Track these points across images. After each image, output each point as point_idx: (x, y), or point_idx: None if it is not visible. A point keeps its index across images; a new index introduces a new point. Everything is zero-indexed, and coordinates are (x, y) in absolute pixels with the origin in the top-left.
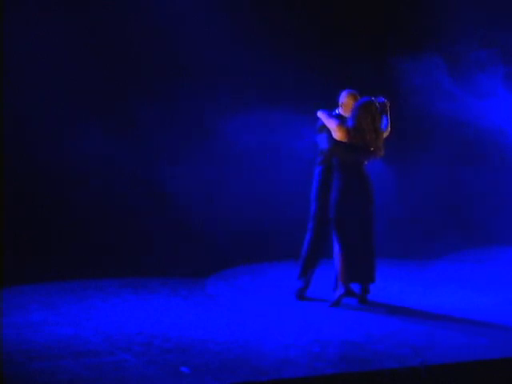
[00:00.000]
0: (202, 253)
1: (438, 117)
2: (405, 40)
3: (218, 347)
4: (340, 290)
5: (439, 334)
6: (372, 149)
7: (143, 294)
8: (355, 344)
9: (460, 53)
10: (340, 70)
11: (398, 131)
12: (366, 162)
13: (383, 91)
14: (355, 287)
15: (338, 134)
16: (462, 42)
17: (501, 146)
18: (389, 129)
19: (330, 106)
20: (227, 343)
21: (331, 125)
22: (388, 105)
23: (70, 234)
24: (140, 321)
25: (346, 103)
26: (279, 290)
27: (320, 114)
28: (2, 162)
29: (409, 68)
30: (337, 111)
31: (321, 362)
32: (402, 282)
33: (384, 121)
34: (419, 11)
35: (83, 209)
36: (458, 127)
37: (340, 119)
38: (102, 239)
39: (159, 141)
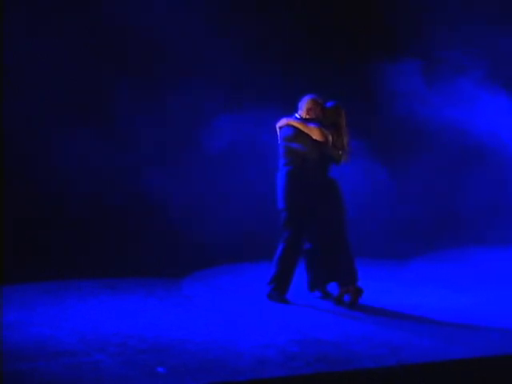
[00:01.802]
0: (180, 253)
1: (420, 120)
2: (386, 44)
3: (195, 347)
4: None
5: (416, 333)
6: (342, 152)
7: (120, 294)
8: (332, 344)
9: (441, 56)
10: (318, 73)
11: (383, 134)
12: (338, 163)
13: (363, 95)
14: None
15: (318, 135)
16: (443, 46)
17: (483, 148)
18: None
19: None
20: (204, 343)
21: (311, 129)
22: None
23: (46, 234)
24: (116, 321)
25: (311, 108)
26: (257, 290)
27: (290, 121)
28: None
29: (389, 72)
30: (297, 115)
31: (298, 362)
32: (381, 281)
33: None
34: (400, 15)
35: (61, 210)
36: (441, 130)
37: (314, 123)
38: (78, 240)
39: (144, 141)
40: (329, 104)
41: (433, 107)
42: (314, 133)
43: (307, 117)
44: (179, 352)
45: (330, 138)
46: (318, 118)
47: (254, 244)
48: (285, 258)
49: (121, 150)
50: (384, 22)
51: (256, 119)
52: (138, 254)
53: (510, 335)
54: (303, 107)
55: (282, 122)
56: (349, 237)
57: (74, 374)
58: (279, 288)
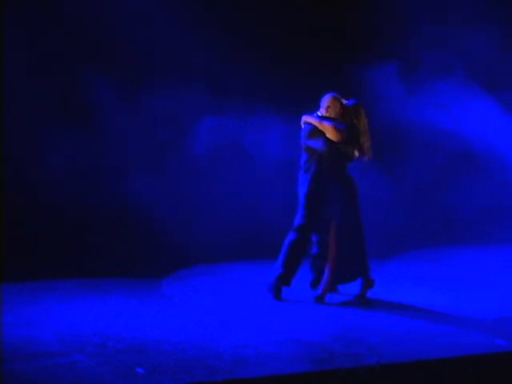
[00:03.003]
0: (159, 253)
1: (400, 122)
2: (363, 46)
3: (173, 347)
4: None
5: (395, 332)
6: (362, 150)
7: (99, 294)
8: (311, 343)
9: (420, 58)
10: (301, 76)
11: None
12: (352, 161)
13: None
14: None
15: (332, 133)
16: (421, 47)
17: (465, 149)
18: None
19: (294, 111)
20: (183, 343)
21: (326, 127)
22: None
23: (26, 235)
24: (95, 322)
25: (331, 106)
26: (235, 290)
27: (309, 119)
28: None
29: (368, 74)
30: (318, 114)
31: (276, 362)
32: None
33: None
34: (378, 16)
35: (41, 210)
36: (421, 132)
37: (331, 120)
38: (57, 240)
39: (126, 142)
40: (349, 102)
41: (412, 109)
42: (328, 131)
43: (326, 114)
44: (158, 352)
45: (344, 136)
46: (337, 116)
47: (234, 245)
48: (294, 250)
49: (104, 151)
50: (363, 23)
51: (239, 121)
52: (118, 254)
53: (483, 334)
54: (324, 105)
55: (303, 119)
56: (363, 232)
57: (51, 376)
58: (283, 278)
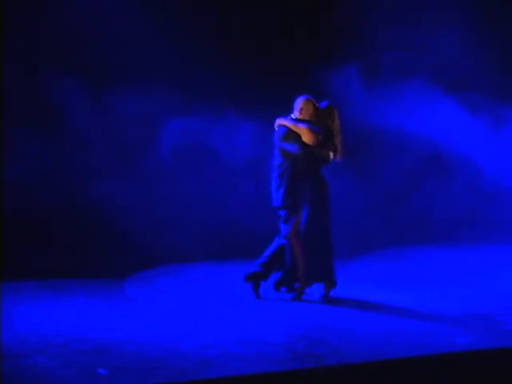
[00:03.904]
0: (121, 254)
1: (363, 125)
2: (329, 48)
3: (136, 348)
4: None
5: (358, 332)
6: (335, 151)
7: (61, 295)
8: (274, 344)
9: (383, 59)
10: (265, 77)
11: None
12: (328, 164)
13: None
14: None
15: (307, 136)
16: (385, 49)
17: (427, 150)
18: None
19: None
20: (146, 344)
21: (302, 129)
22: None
23: None
24: (57, 323)
25: (305, 108)
26: (198, 291)
27: (283, 121)
28: None
29: (333, 77)
30: (292, 116)
31: (240, 362)
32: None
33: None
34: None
35: (2, 210)
36: (386, 135)
37: (306, 123)
38: (19, 240)
39: (91, 143)
40: (322, 104)
41: (374, 110)
42: (304, 134)
43: (300, 117)
44: (121, 353)
45: (319, 138)
46: (311, 118)
47: (196, 245)
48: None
49: (67, 151)
50: (327, 24)
51: (207, 121)
52: (80, 254)
53: (445, 334)
54: (297, 107)
55: (277, 122)
56: (331, 235)
57: (13, 377)
58: (262, 276)
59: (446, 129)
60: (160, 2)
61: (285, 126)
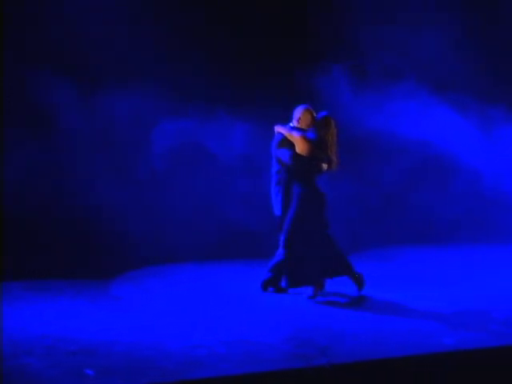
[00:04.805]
0: (108, 254)
1: (350, 126)
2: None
3: (123, 349)
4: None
5: (345, 332)
6: (329, 161)
7: (48, 296)
8: (261, 344)
9: (370, 62)
10: (253, 79)
11: None
12: (320, 174)
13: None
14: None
15: (301, 145)
16: (371, 51)
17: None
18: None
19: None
20: (133, 345)
21: (294, 137)
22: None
23: None
24: (44, 323)
25: (302, 117)
26: (185, 292)
27: (280, 129)
28: None
29: (320, 79)
30: (290, 125)
31: (226, 363)
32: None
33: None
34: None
35: None
36: (371, 137)
37: (302, 132)
38: (4, 242)
39: (79, 140)
40: (319, 115)
41: (361, 112)
42: (297, 142)
43: (298, 126)
44: (108, 354)
45: (312, 148)
46: (308, 128)
47: (183, 246)
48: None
49: (54, 150)
50: (315, 27)
51: (198, 122)
52: (66, 255)
53: (432, 334)
54: (296, 116)
55: (275, 128)
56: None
57: (1, 378)
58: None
59: (436, 130)
60: (149, 3)
61: (281, 134)
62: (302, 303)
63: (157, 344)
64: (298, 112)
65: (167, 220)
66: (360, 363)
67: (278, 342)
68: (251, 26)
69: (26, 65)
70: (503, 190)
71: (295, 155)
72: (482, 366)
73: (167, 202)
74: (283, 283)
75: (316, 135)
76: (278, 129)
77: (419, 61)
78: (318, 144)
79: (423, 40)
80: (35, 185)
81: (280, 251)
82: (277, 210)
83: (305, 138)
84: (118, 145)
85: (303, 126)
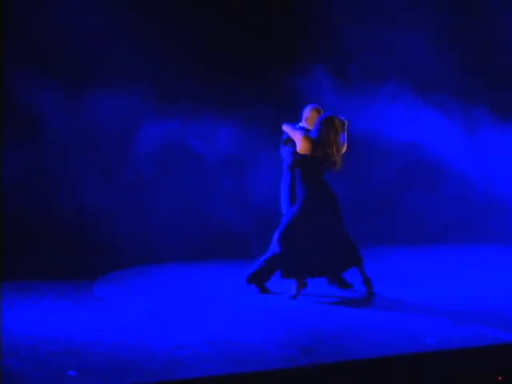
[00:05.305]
0: (91, 255)
1: None
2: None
3: (106, 350)
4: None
5: (328, 333)
6: (331, 161)
7: (31, 297)
8: (244, 345)
9: (354, 63)
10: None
11: None
12: (324, 173)
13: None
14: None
15: (302, 144)
16: (353, 52)
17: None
18: (345, 145)
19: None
20: (116, 345)
21: (296, 136)
22: (346, 123)
23: None
24: (27, 324)
25: (310, 117)
26: (169, 292)
27: (285, 127)
28: None
29: (303, 81)
30: (300, 124)
31: (209, 363)
32: (284, 282)
33: (342, 137)
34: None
35: None
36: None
37: (305, 131)
38: None
39: (64, 142)
40: (324, 115)
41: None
42: (297, 141)
43: (306, 125)
44: (91, 354)
45: (312, 148)
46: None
47: (168, 246)
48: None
49: (39, 150)
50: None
51: (183, 123)
52: (49, 255)
53: (415, 333)
54: (304, 116)
55: (283, 127)
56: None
57: None
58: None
59: (421, 132)
60: (133, 4)
61: (286, 132)
62: (284, 303)
63: (140, 344)
64: (306, 111)
65: (152, 220)
66: (342, 363)
67: (262, 342)
68: (237, 26)
69: (11, 65)
70: (491, 192)
71: (296, 154)
72: (465, 366)
73: (153, 202)
74: (278, 273)
75: (317, 134)
76: (285, 127)
77: (403, 62)
78: (318, 143)
79: (407, 41)
80: (19, 185)
81: (274, 246)
82: (282, 208)
83: (306, 138)
84: (103, 145)
85: (310, 125)
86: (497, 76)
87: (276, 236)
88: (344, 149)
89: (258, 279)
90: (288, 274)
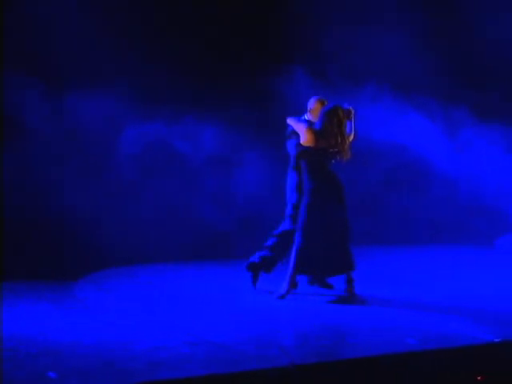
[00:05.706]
0: (70, 255)
1: None
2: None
3: (86, 350)
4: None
5: (307, 334)
6: (337, 151)
7: (9, 298)
8: (224, 345)
9: (332, 64)
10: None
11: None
12: (330, 164)
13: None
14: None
15: (305, 137)
16: (333, 53)
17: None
18: (353, 133)
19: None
20: (96, 346)
21: (300, 128)
22: (353, 111)
23: None
24: (6, 326)
25: (314, 109)
26: (149, 293)
27: (289, 120)
28: None
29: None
30: (305, 117)
31: (190, 364)
32: (269, 282)
33: (348, 126)
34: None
35: None
36: None
37: (309, 123)
38: None
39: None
40: (327, 106)
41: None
42: (301, 133)
43: (310, 116)
44: (71, 355)
45: (314, 139)
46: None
47: (146, 247)
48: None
49: (20, 150)
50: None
51: (168, 125)
52: (28, 256)
53: (395, 334)
54: (308, 107)
55: (288, 119)
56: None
57: None
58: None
59: (403, 133)
60: (116, 5)
61: (291, 126)
62: (268, 303)
63: (120, 345)
64: (310, 103)
65: (136, 221)
66: (323, 364)
67: (242, 342)
68: (219, 27)
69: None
70: (475, 193)
71: (300, 146)
72: (446, 366)
73: (137, 203)
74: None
75: (320, 125)
76: (289, 120)
77: (382, 63)
78: (322, 134)
79: (387, 42)
80: None
81: (281, 236)
82: (288, 200)
83: (309, 129)
84: (86, 146)
85: (315, 116)
86: (477, 76)
87: (282, 227)
88: (351, 138)
89: (257, 269)
90: (302, 270)
